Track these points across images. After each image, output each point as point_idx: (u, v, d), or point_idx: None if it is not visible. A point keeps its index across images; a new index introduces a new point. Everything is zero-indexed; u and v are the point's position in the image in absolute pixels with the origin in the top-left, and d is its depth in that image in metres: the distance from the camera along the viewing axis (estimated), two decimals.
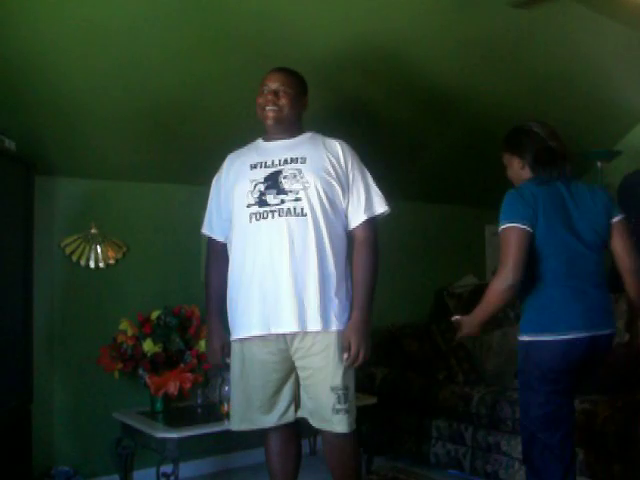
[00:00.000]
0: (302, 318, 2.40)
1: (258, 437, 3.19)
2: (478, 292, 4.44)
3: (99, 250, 3.41)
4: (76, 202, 3.37)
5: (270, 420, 2.54)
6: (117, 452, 3.26)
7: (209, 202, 2.73)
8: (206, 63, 3.02)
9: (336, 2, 2.96)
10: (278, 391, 2.52)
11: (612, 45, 3.68)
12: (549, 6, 3.26)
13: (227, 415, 3.16)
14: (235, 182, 2.55)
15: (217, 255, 2.68)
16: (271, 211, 2.44)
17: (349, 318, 2.48)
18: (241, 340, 2.51)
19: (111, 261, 3.44)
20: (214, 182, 2.72)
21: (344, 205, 2.53)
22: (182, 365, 3.22)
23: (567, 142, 4.17)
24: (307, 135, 2.60)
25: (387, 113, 3.75)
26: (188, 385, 3.19)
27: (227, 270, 2.58)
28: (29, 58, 2.69)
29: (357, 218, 2.54)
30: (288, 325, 2.41)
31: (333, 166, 2.51)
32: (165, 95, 3.09)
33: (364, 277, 2.51)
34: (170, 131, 3.30)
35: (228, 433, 3.08)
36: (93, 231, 3.40)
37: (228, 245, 2.61)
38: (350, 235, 2.56)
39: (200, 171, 3.60)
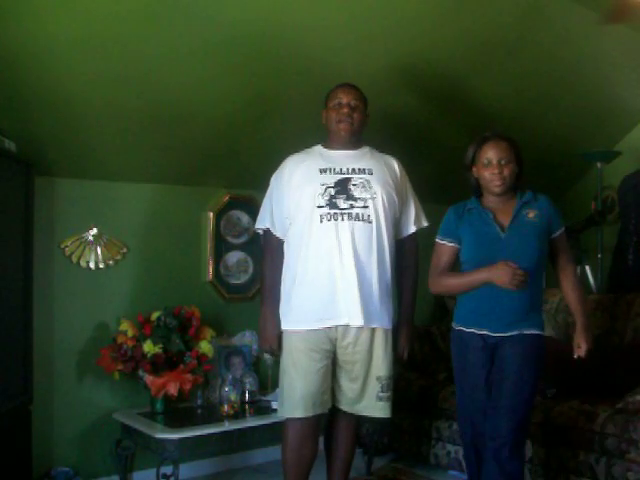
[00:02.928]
0: (368, 316, 2.65)
1: (257, 438, 3.21)
2: None
3: (99, 251, 3.41)
4: (76, 203, 3.36)
5: (313, 409, 2.67)
6: (117, 453, 3.25)
7: (268, 199, 2.84)
8: (211, 67, 3.03)
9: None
10: (323, 382, 2.68)
11: (612, 45, 3.69)
12: (549, 7, 3.27)
13: (227, 416, 3.17)
14: (304, 183, 2.70)
15: (275, 250, 2.83)
16: (341, 214, 2.64)
17: (394, 318, 2.79)
18: (295, 332, 2.68)
19: (111, 262, 3.44)
20: (273, 181, 2.84)
21: (398, 216, 2.80)
22: (182, 366, 3.21)
23: (567, 143, 4.20)
24: (366, 149, 2.83)
25: (390, 117, 3.75)
26: (188, 386, 3.19)
27: (282, 265, 2.77)
28: (29, 59, 2.69)
29: (408, 229, 2.87)
30: (357, 321, 2.63)
31: (393, 180, 2.78)
32: (165, 96, 3.09)
33: (413, 284, 2.88)
34: (170, 132, 3.29)
35: (228, 434, 3.10)
36: (93, 232, 3.39)
37: (291, 242, 2.74)
38: (396, 243, 2.80)
39: (200, 172, 3.61)
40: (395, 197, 2.75)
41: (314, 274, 2.65)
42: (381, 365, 2.72)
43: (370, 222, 2.66)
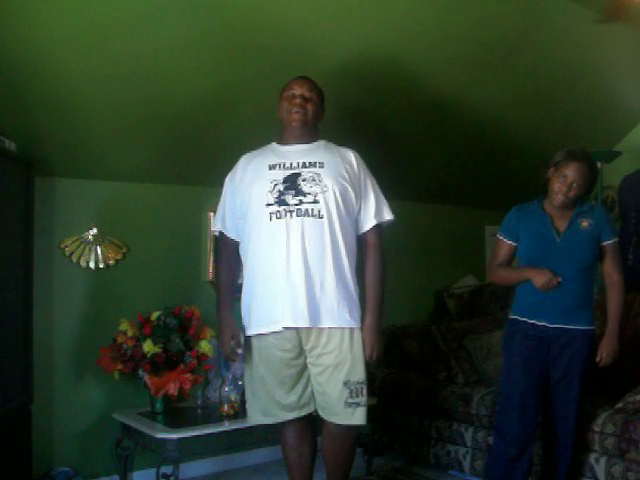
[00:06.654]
0: (316, 315, 2.51)
1: (257, 438, 3.21)
2: (478, 293, 4.48)
3: (99, 251, 3.41)
4: (76, 203, 3.36)
5: (290, 414, 2.63)
6: (117, 453, 3.25)
7: (222, 200, 2.78)
8: (208, 66, 3.03)
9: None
10: (294, 385, 2.61)
11: (612, 45, 3.68)
12: (548, 7, 3.26)
13: (227, 415, 3.17)
14: (253, 181, 2.62)
15: (229, 252, 2.75)
16: (289, 211, 2.53)
17: (362, 318, 2.61)
18: (258, 336, 2.60)
19: (111, 262, 3.44)
20: (228, 181, 2.76)
21: (356, 210, 2.65)
22: (182, 366, 3.21)
23: (567, 143, 4.20)
24: (321, 142, 2.72)
25: (389, 117, 3.76)
26: (188, 386, 3.19)
27: (237, 266, 2.71)
28: (29, 59, 2.69)
29: (368, 223, 2.67)
30: (303, 321, 2.50)
31: (348, 173, 2.63)
32: (165, 95, 3.09)
33: (376, 280, 2.66)
34: (170, 132, 3.29)
35: (228, 433, 3.11)
36: (93, 232, 3.40)
37: (243, 242, 2.67)
38: (359, 239, 2.68)
39: (200, 172, 3.61)
40: (350, 190, 2.60)
41: (260, 276, 2.56)
42: (349, 369, 2.54)
43: (321, 217, 2.52)
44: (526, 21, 3.32)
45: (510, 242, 2.94)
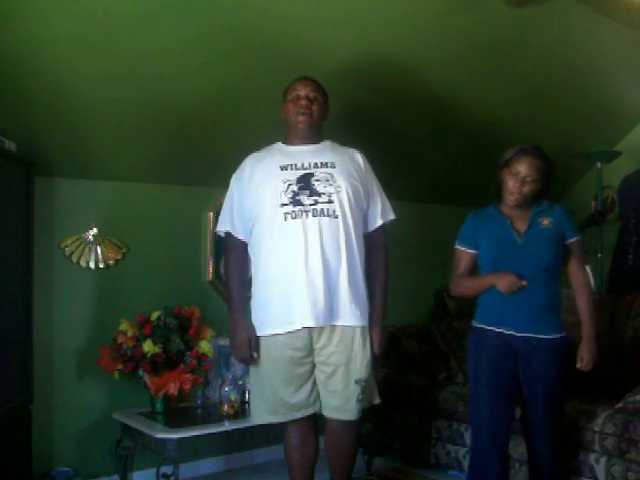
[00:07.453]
0: (333, 314, 2.56)
1: (257, 438, 3.22)
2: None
3: (99, 251, 3.41)
4: (76, 203, 3.36)
5: (296, 413, 2.63)
6: (117, 453, 3.25)
7: (228, 201, 2.75)
8: (209, 66, 3.03)
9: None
10: (303, 384, 2.62)
11: (612, 45, 3.68)
12: (548, 6, 3.26)
13: (227, 415, 3.17)
14: (265, 182, 2.61)
15: (238, 253, 2.73)
16: (305, 211, 2.55)
17: (370, 315, 2.66)
18: (269, 336, 2.60)
19: (111, 262, 3.44)
20: (234, 181, 2.74)
21: (364, 210, 2.69)
22: (182, 366, 3.21)
23: (567, 143, 4.20)
24: (327, 143, 2.74)
25: (390, 117, 3.77)
26: (188, 386, 3.19)
27: (247, 267, 2.70)
28: (30, 59, 2.69)
29: (375, 222, 2.75)
30: (322, 320, 2.53)
31: (357, 172, 2.68)
32: (165, 96, 3.09)
33: (383, 278, 2.75)
34: (170, 132, 3.30)
35: (228, 433, 3.11)
36: (93, 232, 3.39)
37: (254, 243, 2.66)
38: (364, 238, 2.70)
39: (200, 172, 3.61)
40: (361, 190, 2.66)
41: (275, 276, 2.56)
42: (359, 367, 2.60)
43: (336, 217, 2.56)
44: (526, 21, 3.32)
45: (469, 250, 2.81)
